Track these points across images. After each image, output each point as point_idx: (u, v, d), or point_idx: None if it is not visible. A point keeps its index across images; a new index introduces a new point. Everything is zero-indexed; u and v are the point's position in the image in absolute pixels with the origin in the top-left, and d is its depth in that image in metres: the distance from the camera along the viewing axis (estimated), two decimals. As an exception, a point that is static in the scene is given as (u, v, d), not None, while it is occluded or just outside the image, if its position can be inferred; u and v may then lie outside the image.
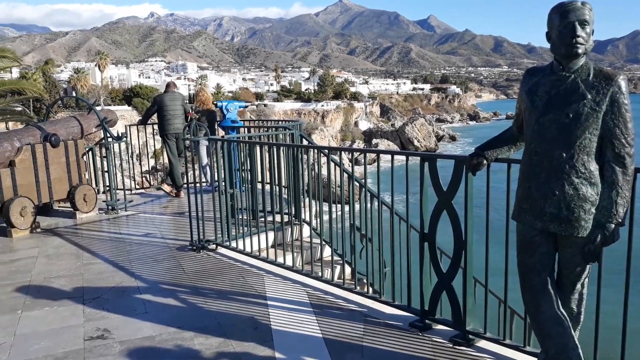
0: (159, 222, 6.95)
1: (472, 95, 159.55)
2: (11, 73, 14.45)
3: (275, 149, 5.98)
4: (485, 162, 2.96)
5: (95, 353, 3.26)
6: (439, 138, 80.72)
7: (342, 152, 4.81)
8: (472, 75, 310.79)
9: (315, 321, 3.65)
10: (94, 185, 7.93)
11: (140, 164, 15.92)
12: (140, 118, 8.91)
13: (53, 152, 6.95)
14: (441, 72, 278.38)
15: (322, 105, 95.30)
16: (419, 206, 3.46)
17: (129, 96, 70.80)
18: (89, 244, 5.92)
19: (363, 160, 4.18)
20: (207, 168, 9.05)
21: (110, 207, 7.55)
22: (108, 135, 7.44)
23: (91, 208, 7.43)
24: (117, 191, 7.69)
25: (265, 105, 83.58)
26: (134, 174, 11.15)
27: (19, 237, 6.27)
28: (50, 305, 4.09)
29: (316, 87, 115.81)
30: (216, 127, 9.11)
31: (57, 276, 4.79)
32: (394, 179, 3.83)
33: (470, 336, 3.29)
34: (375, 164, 3.89)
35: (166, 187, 8.63)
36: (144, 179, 13.91)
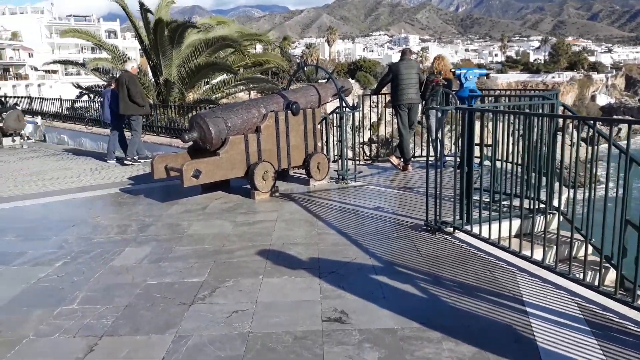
0: (388, 196, 6.64)
1: None
2: (255, 48, 15.76)
3: (527, 121, 5.09)
4: None
5: (334, 339, 2.99)
6: None
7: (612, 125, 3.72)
8: None
9: (597, 346, 2.83)
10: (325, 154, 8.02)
11: (358, 135, 16.10)
12: (374, 88, 8.71)
13: (293, 119, 7.13)
14: None
15: (553, 77, 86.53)
16: None
17: (353, 69, 73.87)
18: (322, 212, 5.89)
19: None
20: (437, 141, 8.46)
21: (340, 177, 7.53)
22: (344, 104, 7.37)
23: (323, 176, 7.50)
24: (347, 161, 7.61)
25: (487, 77, 79.04)
26: (353, 144, 11.08)
27: (260, 200, 6.58)
28: (289, 274, 4.03)
29: (547, 57, 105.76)
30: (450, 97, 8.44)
31: (294, 243, 4.78)
32: None
33: None
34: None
35: (394, 160, 8.31)
36: (361, 150, 13.93)
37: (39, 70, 69.01)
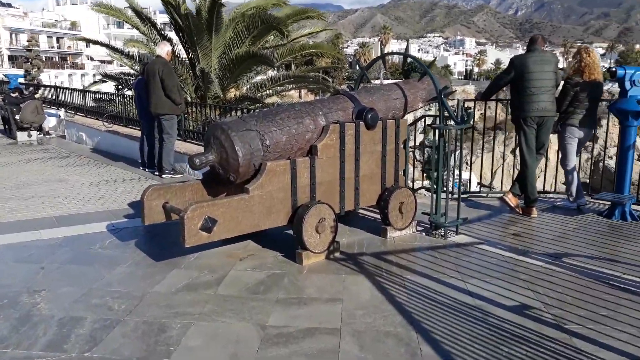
0: (520, 270, 3.99)
1: None
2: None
3: None
4: None
5: None
6: None
7: None
8: None
9: None
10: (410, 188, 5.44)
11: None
12: (481, 91, 6.02)
13: (367, 135, 4.57)
14: None
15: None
16: None
17: (406, 71, 70.64)
18: (419, 307, 3.31)
19: None
20: (574, 174, 5.72)
21: (433, 225, 4.92)
22: (446, 113, 4.75)
23: (407, 223, 4.91)
24: (444, 200, 4.99)
25: None
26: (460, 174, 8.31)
27: (311, 266, 4.06)
28: None
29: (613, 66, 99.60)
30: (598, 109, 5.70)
31: (384, 419, 2.22)
32: None
33: None
34: None
35: (510, 199, 5.62)
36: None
37: (95, 60, 69.43)
